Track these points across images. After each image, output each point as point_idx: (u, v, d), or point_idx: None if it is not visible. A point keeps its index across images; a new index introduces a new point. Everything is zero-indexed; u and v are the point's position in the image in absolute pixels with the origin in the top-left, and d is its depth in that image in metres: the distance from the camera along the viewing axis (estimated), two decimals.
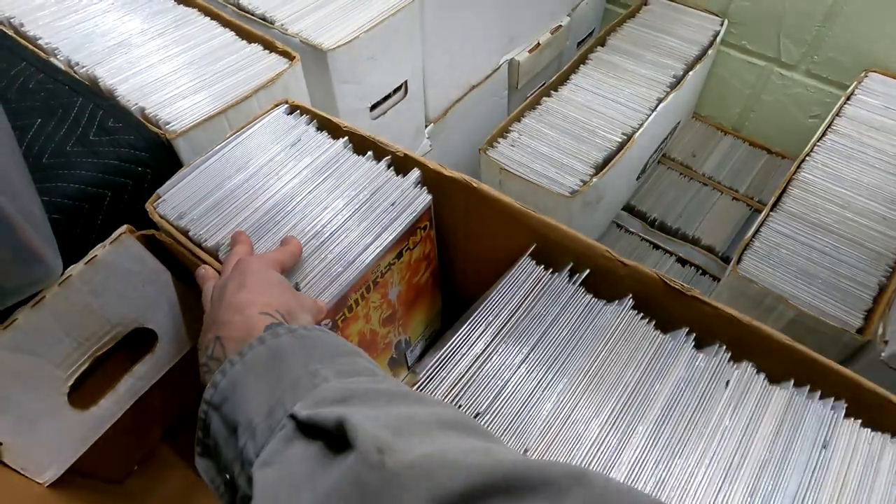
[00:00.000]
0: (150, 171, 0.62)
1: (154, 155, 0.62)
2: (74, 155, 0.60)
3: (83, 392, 0.55)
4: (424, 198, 0.56)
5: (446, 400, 0.44)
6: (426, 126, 1.01)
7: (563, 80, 1.09)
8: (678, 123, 1.24)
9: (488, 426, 0.43)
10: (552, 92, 1.07)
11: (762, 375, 0.45)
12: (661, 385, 0.45)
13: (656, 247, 1.11)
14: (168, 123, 0.64)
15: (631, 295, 0.50)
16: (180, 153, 0.63)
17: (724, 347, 0.47)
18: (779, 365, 0.45)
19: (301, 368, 0.31)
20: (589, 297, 0.50)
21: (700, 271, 1.07)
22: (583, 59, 1.13)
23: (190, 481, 0.70)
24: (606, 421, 0.43)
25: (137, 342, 0.59)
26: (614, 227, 1.15)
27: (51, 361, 0.51)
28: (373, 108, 0.84)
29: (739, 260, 0.82)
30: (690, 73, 1.08)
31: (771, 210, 0.87)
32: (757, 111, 1.27)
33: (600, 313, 0.49)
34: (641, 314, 0.49)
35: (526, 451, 0.42)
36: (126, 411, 0.60)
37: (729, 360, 0.46)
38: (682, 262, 1.08)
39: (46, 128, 0.63)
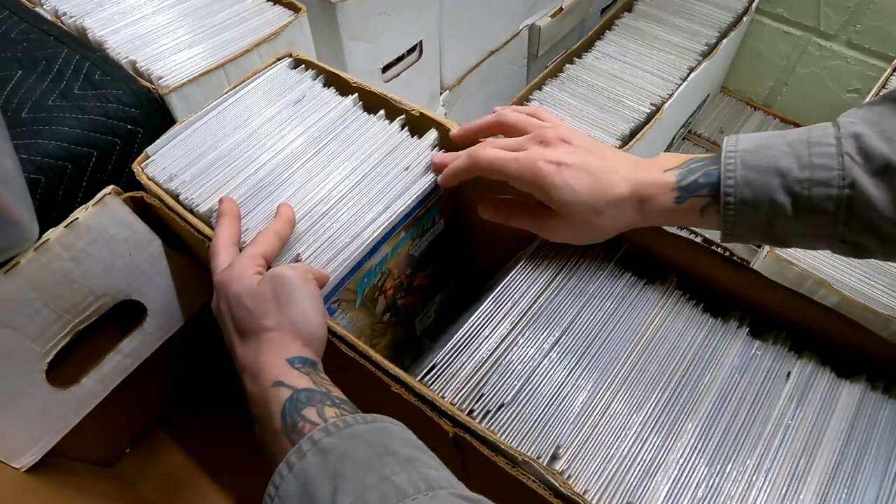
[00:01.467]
0: (140, 129, 0.57)
1: (145, 112, 0.57)
2: (57, 110, 0.55)
3: (64, 369, 0.50)
4: None
5: (466, 387, 0.39)
6: (441, 93, 0.95)
7: (588, 46, 1.03)
8: (707, 96, 1.17)
9: (514, 418, 0.38)
10: (575, 59, 1.00)
11: (829, 367, 0.39)
12: (712, 376, 0.39)
13: (681, 227, 1.05)
14: (161, 78, 0.58)
15: (675, 272, 0.44)
16: (174, 110, 0.58)
17: (785, 334, 0.41)
18: (848, 356, 0.39)
19: None
20: (628, 274, 0.44)
21: (726, 253, 1.01)
22: (608, 25, 1.06)
23: (185, 465, 0.66)
24: (649, 417, 0.38)
25: (127, 316, 0.54)
26: None
27: (26, 335, 0.46)
28: (385, 69, 0.78)
29: None
30: (724, 40, 1.01)
31: None
32: (791, 85, 1.20)
33: (641, 293, 0.43)
34: (688, 294, 0.43)
35: (558, 447, 0.37)
36: (115, 390, 0.55)
37: (790, 349, 0.40)
38: (708, 243, 1.02)
39: (27, 80, 0.57)
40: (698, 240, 0.42)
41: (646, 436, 0.37)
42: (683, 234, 0.43)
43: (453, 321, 0.57)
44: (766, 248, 0.76)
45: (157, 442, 0.68)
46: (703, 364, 0.40)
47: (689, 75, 0.96)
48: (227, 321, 0.39)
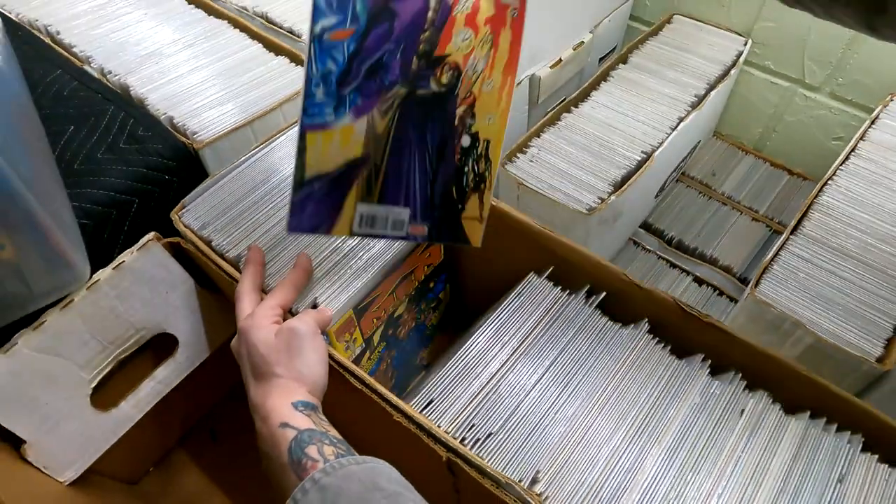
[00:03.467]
0: (176, 179, 0.63)
1: (181, 164, 0.64)
2: (104, 162, 0.62)
3: (105, 394, 0.56)
4: None
5: (460, 417, 0.45)
6: None
7: (584, 96, 1.10)
8: (698, 143, 1.23)
9: (501, 446, 0.43)
10: (572, 108, 1.08)
11: (778, 405, 0.45)
12: (676, 411, 0.45)
13: (673, 265, 1.11)
14: (196, 133, 0.65)
15: (647, 319, 0.50)
16: (206, 162, 0.65)
17: (740, 375, 0.47)
18: (795, 395, 0.45)
19: None
20: (605, 319, 0.50)
21: (717, 291, 1.06)
22: (604, 76, 1.13)
23: (203, 485, 0.71)
24: (620, 444, 0.43)
25: (159, 347, 0.60)
26: (631, 245, 1.15)
27: (76, 363, 0.52)
28: None
29: (758, 283, 0.81)
30: (712, 92, 1.08)
31: (791, 233, 0.87)
32: (779, 132, 1.26)
33: (616, 336, 0.49)
34: (657, 338, 0.49)
35: (538, 472, 0.42)
36: (146, 414, 0.61)
37: (744, 389, 0.46)
38: (699, 281, 1.08)
39: (79, 135, 0.64)
40: (666, 296, 0.48)
41: (617, 460, 0.43)
42: (655, 289, 0.49)
43: (448, 350, 0.63)
44: (748, 289, 0.81)
45: (177, 463, 0.73)
46: (668, 400, 0.45)
47: (678, 125, 1.02)
48: (244, 364, 0.45)
